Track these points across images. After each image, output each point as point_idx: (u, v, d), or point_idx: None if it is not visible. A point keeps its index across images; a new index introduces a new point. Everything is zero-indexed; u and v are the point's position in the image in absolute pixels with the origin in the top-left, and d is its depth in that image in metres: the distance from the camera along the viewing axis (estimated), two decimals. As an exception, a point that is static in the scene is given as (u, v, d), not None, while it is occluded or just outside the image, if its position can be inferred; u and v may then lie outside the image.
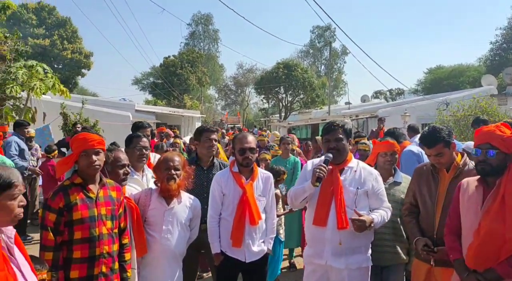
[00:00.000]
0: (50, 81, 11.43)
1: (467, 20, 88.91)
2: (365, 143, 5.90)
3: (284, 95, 39.78)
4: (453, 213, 2.72)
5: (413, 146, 5.19)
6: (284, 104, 40.04)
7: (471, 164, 2.96)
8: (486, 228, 2.42)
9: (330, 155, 3.04)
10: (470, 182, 2.67)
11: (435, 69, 45.14)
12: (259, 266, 3.47)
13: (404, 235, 3.41)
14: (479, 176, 2.65)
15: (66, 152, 7.46)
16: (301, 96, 38.94)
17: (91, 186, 2.69)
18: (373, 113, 18.10)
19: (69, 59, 36.18)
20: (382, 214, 3.04)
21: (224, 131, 20.89)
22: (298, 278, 5.63)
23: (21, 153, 6.78)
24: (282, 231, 5.14)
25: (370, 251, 3.16)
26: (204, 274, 5.58)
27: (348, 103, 33.43)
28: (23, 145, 6.86)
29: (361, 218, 2.87)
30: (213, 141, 3.95)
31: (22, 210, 1.76)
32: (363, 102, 32.69)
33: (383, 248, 3.37)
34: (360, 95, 44.98)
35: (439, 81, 40.80)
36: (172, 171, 3.14)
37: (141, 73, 49.97)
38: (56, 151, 7.79)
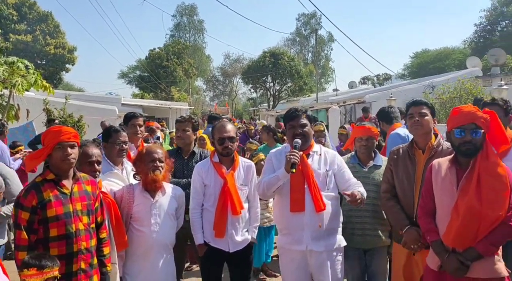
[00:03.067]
0: (32, 77, 11.21)
1: (451, 3, 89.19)
2: (344, 127, 6.03)
3: (271, 84, 39.60)
4: (426, 194, 2.72)
5: (402, 129, 5.16)
6: (272, 93, 39.88)
7: (445, 144, 2.97)
8: (465, 207, 2.43)
9: (299, 141, 3.04)
10: (441, 162, 2.67)
11: (421, 53, 45.26)
12: (244, 255, 3.45)
13: (385, 218, 3.40)
14: (450, 156, 2.66)
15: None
16: (289, 84, 38.79)
17: (64, 182, 2.61)
18: (360, 99, 18.12)
19: (52, 55, 35.64)
20: (361, 189, 3.08)
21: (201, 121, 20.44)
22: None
23: None
24: (264, 219, 5.12)
25: (341, 232, 3.24)
26: (194, 266, 5.57)
27: (335, 90, 33.40)
28: None
29: (354, 192, 2.92)
30: (181, 132, 4.04)
31: None
32: (351, 88, 32.66)
33: (364, 232, 3.38)
34: (347, 81, 44.97)
35: (425, 65, 40.97)
36: (157, 162, 3.11)
37: (127, 66, 49.35)
38: (22, 147, 7.49)
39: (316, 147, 3.23)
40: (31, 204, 2.47)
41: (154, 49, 43.31)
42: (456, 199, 2.50)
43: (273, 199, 3.39)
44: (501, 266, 2.49)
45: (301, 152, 3.01)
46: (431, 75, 28.37)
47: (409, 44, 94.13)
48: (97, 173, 3.01)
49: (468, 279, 2.48)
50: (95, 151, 3.01)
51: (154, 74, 39.42)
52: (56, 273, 2.32)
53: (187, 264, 5.44)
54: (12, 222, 2.52)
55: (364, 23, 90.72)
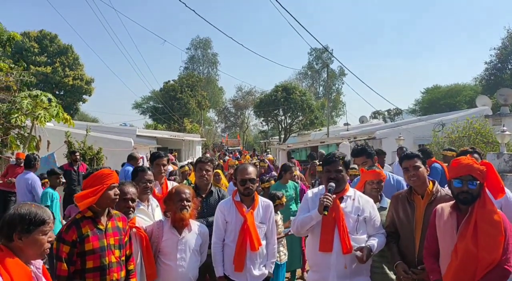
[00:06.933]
0: (54, 110, 11.69)
1: (461, 40, 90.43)
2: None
3: (283, 117, 40.15)
4: (430, 237, 2.95)
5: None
6: (283, 126, 40.37)
7: (442, 191, 3.25)
8: (463, 250, 2.66)
9: (333, 185, 3.23)
10: (444, 207, 2.92)
11: (432, 89, 45.71)
12: (261, 289, 3.65)
13: None
14: (451, 202, 2.90)
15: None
16: (300, 118, 39.29)
17: (100, 218, 2.90)
18: (370, 135, 18.37)
19: (70, 86, 36.70)
20: (378, 240, 3.23)
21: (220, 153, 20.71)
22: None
23: None
24: (282, 255, 5.29)
25: (370, 273, 3.36)
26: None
27: (346, 124, 33.76)
28: None
29: (362, 254, 3.06)
30: (204, 171, 4.31)
31: (49, 245, 1.98)
32: (362, 123, 32.97)
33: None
34: (359, 115, 45.46)
35: (436, 101, 41.30)
36: (185, 202, 3.40)
37: (141, 97, 50.47)
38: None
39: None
40: (71, 239, 2.76)
41: (169, 81, 44.44)
42: (455, 242, 2.72)
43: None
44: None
45: (334, 196, 3.21)
46: (442, 111, 28.65)
47: (420, 80, 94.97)
48: (131, 209, 3.29)
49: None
50: (130, 190, 3.32)
51: (168, 105, 40.26)
52: None
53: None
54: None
55: (376, 58, 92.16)
